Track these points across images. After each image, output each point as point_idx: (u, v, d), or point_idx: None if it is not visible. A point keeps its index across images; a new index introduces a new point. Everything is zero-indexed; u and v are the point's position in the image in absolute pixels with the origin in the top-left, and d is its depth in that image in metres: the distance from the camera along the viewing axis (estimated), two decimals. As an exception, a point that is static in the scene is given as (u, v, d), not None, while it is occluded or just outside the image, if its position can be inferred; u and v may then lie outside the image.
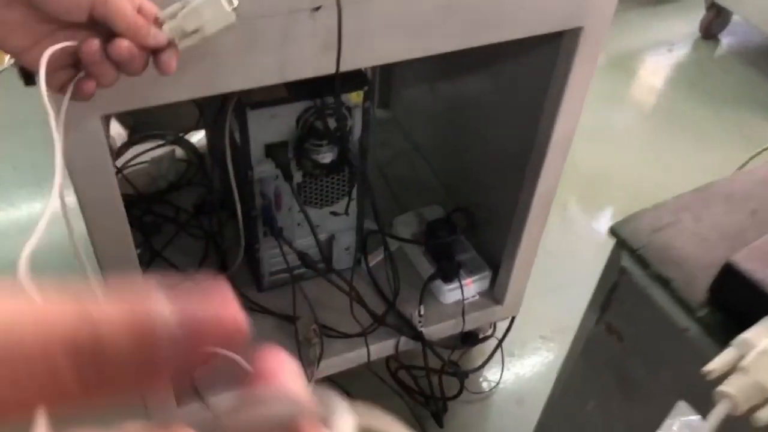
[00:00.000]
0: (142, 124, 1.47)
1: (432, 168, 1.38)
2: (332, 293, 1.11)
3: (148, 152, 1.34)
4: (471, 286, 1.13)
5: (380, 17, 0.69)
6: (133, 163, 1.34)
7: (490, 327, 1.24)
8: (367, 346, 1.05)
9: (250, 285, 1.13)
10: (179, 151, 1.37)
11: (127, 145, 1.37)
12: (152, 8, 0.52)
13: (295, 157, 0.94)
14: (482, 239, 1.19)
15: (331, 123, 0.91)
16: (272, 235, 1.02)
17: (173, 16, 0.52)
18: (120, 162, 1.33)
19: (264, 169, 0.95)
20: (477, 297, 1.16)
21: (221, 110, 0.90)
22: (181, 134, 1.38)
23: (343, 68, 0.70)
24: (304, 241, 1.05)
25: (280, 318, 1.10)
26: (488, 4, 0.73)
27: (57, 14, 0.49)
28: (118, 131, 1.38)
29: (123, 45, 0.50)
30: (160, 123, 1.44)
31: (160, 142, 1.37)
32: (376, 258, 1.19)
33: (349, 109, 0.93)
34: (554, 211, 1.05)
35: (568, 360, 0.74)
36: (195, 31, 0.53)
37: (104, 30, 0.50)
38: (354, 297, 1.06)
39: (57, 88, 0.52)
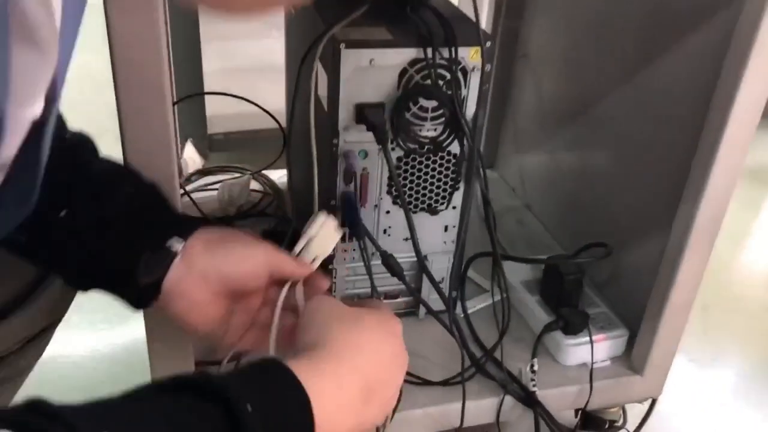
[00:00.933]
0: (219, 158, 1.33)
1: (545, 225, 1.15)
2: (417, 333, 0.87)
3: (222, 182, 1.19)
4: (602, 345, 0.86)
5: None
6: (202, 188, 1.18)
7: (619, 413, 0.93)
8: (464, 397, 0.78)
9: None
10: (255, 185, 1.20)
11: (200, 174, 1.23)
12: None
13: (391, 128, 0.75)
14: (615, 293, 0.93)
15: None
16: (354, 239, 0.80)
17: (304, 249, 0.65)
18: (190, 187, 1.18)
19: (352, 138, 0.76)
20: (608, 362, 0.88)
21: (310, 51, 0.73)
22: (257, 171, 1.23)
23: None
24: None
25: (348, 355, 0.85)
26: None
27: (246, 287, 0.61)
28: (192, 156, 1.24)
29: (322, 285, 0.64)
30: (240, 158, 1.30)
31: (237, 175, 1.21)
32: (475, 305, 0.95)
33: (464, 71, 0.75)
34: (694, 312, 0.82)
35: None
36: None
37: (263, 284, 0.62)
38: (456, 338, 0.81)
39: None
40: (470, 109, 0.76)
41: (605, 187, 0.99)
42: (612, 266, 0.94)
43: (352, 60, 0.71)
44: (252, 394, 0.40)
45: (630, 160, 0.92)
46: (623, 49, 0.92)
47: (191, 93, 1.34)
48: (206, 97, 1.38)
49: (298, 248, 0.65)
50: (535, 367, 0.82)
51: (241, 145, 1.43)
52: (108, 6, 0.54)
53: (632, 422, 0.93)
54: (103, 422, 0.34)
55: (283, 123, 1.16)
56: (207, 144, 1.35)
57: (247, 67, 1.83)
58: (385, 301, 0.87)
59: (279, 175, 1.24)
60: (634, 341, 0.88)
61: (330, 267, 0.84)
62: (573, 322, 0.85)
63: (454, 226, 0.85)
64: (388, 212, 0.82)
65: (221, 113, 1.41)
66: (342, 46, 0.70)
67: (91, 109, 1.24)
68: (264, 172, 1.23)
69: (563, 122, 1.09)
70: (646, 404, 0.91)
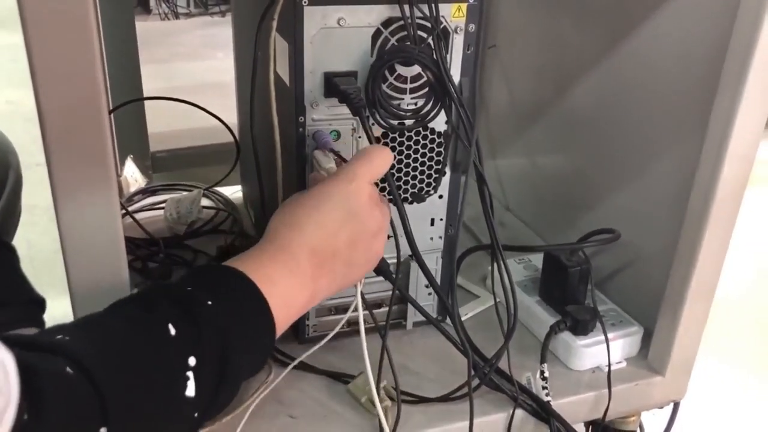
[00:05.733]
0: (164, 178, 1.21)
1: (529, 225, 1.06)
2: (405, 346, 0.77)
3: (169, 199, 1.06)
4: (615, 344, 0.76)
5: None
6: (147, 207, 1.05)
7: (637, 424, 0.82)
8: (471, 413, 0.66)
9: (284, 334, 0.78)
10: (207, 202, 1.08)
11: (144, 193, 1.09)
12: None
13: (366, 103, 0.64)
14: (620, 288, 0.84)
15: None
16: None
17: None
18: (133, 207, 1.05)
19: (321, 116, 0.65)
20: (623, 364, 0.77)
21: (266, 13, 0.62)
22: (209, 187, 1.11)
23: None
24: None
25: (329, 376, 0.73)
26: None
27: None
28: (133, 174, 1.11)
29: None
30: (187, 177, 1.18)
31: (184, 193, 1.09)
32: (467, 312, 0.84)
33: (446, 32, 0.65)
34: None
35: None
36: None
37: None
38: (461, 346, 0.69)
39: None
40: (454, 77, 0.66)
41: (593, 180, 0.90)
42: (614, 259, 0.84)
43: (316, 19, 0.61)
44: (207, 293, 0.46)
45: (619, 148, 0.84)
46: (601, 33, 0.84)
47: (131, 116, 1.22)
48: (147, 114, 1.25)
49: None
50: (546, 374, 0.71)
51: (187, 162, 1.30)
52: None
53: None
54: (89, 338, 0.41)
55: (236, 135, 1.05)
56: (150, 164, 1.22)
57: (190, 87, 1.71)
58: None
59: (233, 191, 1.12)
60: (649, 339, 0.78)
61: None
62: (582, 320, 0.75)
63: (441, 219, 0.74)
64: (365, 205, 0.71)
65: (164, 131, 1.29)
66: (304, 2, 0.60)
67: (22, 142, 1.12)
68: (216, 188, 1.11)
69: (539, 117, 1.00)
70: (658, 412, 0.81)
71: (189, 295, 0.45)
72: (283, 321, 0.50)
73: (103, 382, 0.37)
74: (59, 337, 0.40)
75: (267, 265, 0.51)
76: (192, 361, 0.42)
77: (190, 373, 0.42)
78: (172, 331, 0.42)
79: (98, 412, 0.37)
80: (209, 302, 0.45)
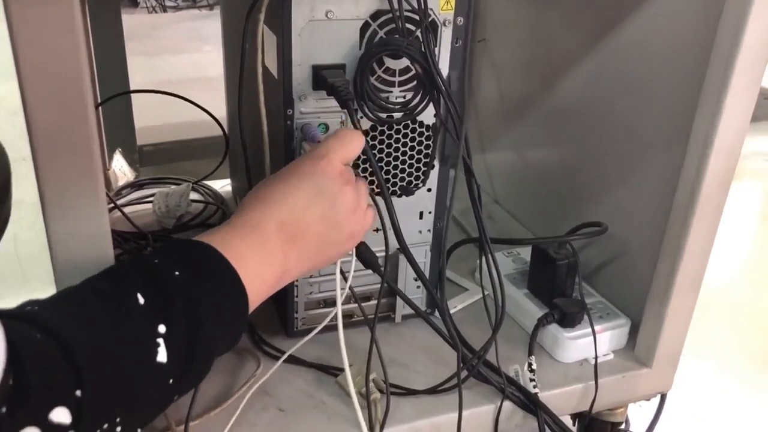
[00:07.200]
0: (151, 172, 1.20)
1: (518, 219, 1.06)
2: (393, 339, 0.77)
3: (157, 192, 1.05)
4: (602, 337, 0.76)
5: None
6: (136, 201, 1.05)
7: (624, 415, 0.83)
8: (460, 405, 0.66)
9: (273, 328, 0.78)
10: (195, 196, 1.07)
11: (132, 187, 1.09)
12: None
13: (354, 96, 0.64)
14: (608, 281, 0.84)
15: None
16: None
17: None
18: (122, 201, 1.04)
19: (309, 108, 0.65)
20: (611, 356, 0.78)
21: (254, 5, 0.62)
22: (198, 180, 1.10)
23: None
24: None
25: (318, 369, 0.73)
26: None
27: None
28: (122, 168, 1.10)
29: None
30: (174, 170, 1.17)
31: (173, 187, 1.08)
32: (455, 305, 0.84)
33: (434, 25, 0.65)
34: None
35: None
36: None
37: None
38: (450, 339, 0.70)
39: None
40: (442, 71, 0.66)
41: (582, 173, 0.90)
42: (602, 252, 0.85)
43: (304, 12, 0.61)
44: (174, 265, 0.46)
45: (606, 142, 0.84)
46: (589, 27, 0.85)
47: (119, 110, 1.21)
48: (135, 108, 1.24)
49: None
50: (534, 366, 0.72)
51: (176, 156, 1.30)
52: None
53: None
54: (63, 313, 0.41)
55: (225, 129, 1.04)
56: (138, 157, 1.21)
57: (178, 80, 1.70)
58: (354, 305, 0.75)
59: (222, 185, 1.12)
60: (636, 332, 0.79)
61: (290, 267, 0.72)
62: (570, 313, 0.75)
63: (430, 212, 0.74)
64: (354, 198, 0.71)
65: (151, 125, 1.28)
66: (293, -6, 0.59)
67: (8, 137, 1.11)
68: (205, 181, 1.10)
69: (528, 110, 1.01)
70: (645, 404, 0.82)
71: (157, 266, 0.46)
72: (255, 294, 0.50)
73: (74, 345, 0.38)
74: (28, 308, 0.40)
75: (235, 239, 0.51)
76: (162, 328, 0.43)
77: (160, 340, 0.43)
78: (141, 300, 0.43)
79: (71, 375, 0.38)
80: (176, 273, 0.45)
